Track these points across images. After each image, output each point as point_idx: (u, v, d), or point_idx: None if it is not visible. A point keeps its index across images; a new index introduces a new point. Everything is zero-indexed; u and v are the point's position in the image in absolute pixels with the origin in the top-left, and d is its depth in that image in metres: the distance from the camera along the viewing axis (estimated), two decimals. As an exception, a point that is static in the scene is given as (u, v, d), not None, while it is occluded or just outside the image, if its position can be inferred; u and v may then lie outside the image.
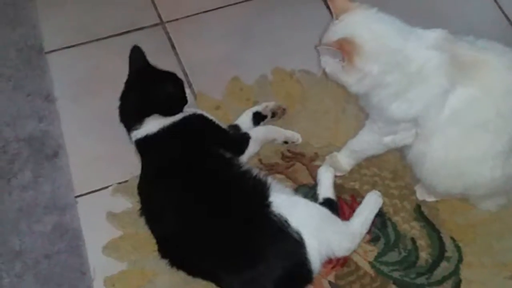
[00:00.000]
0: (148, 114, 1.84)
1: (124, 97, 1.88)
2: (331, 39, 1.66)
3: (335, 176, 1.92)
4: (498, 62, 1.70)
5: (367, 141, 1.89)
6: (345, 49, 1.61)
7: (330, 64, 1.70)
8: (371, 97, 1.73)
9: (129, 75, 1.89)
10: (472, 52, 1.70)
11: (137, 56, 1.88)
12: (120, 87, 1.88)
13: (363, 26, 1.66)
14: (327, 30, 1.72)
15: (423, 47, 1.66)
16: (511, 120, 1.69)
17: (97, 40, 2.18)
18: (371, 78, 1.66)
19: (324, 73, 1.75)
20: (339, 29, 1.68)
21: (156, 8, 2.25)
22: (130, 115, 1.88)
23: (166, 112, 1.84)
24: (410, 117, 1.72)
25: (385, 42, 1.65)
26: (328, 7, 2.15)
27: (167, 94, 1.84)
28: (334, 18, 1.70)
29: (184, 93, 1.86)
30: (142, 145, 1.86)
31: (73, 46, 2.17)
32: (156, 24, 2.22)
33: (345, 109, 2.06)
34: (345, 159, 1.94)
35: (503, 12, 2.26)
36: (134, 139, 1.86)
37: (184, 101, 1.87)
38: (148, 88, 1.85)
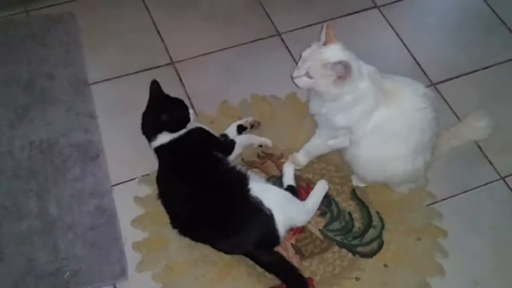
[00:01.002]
0: (160, 131, 1.83)
1: (144, 117, 1.88)
2: (331, 58, 1.60)
3: (295, 169, 1.92)
4: (408, 91, 1.73)
5: (317, 144, 1.89)
6: (348, 70, 1.58)
7: (319, 73, 1.61)
8: (324, 108, 1.72)
9: (149, 101, 1.88)
10: (391, 83, 1.72)
11: (155, 87, 1.86)
12: (143, 109, 1.88)
13: (352, 59, 1.63)
14: (316, 50, 1.65)
15: (365, 78, 1.66)
16: (416, 131, 1.72)
17: (126, 75, 2.17)
18: (339, 95, 1.64)
19: (299, 79, 1.66)
20: (333, 53, 1.62)
21: (168, 52, 2.24)
22: (148, 131, 1.87)
23: (172, 130, 1.83)
24: (347, 126, 1.73)
25: (356, 76, 1.62)
26: (289, 51, 2.26)
27: (174, 117, 1.83)
28: (324, 42, 1.65)
29: (188, 114, 1.84)
30: (159, 151, 1.85)
31: (109, 79, 2.16)
32: (168, 64, 2.21)
33: (302, 122, 2.06)
34: (302, 157, 1.94)
35: (411, 54, 2.29)
36: (153, 147, 1.85)
37: (187, 119, 1.84)
38: (160, 114, 1.82)
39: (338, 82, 1.60)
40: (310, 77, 1.64)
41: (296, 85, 1.70)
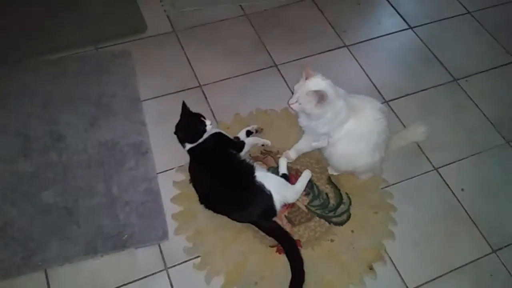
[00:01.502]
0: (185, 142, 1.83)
1: (176, 128, 1.83)
2: (312, 88, 1.61)
3: (287, 162, 1.90)
4: (368, 106, 1.73)
5: (304, 145, 1.89)
6: (323, 96, 1.60)
7: (305, 100, 1.63)
8: (312, 122, 1.72)
9: (180, 115, 1.85)
10: (357, 101, 1.72)
11: (184, 107, 1.84)
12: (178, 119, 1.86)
13: (328, 87, 1.63)
14: (302, 83, 1.65)
15: (341, 99, 1.66)
16: (374, 134, 1.72)
17: (167, 94, 2.14)
18: (322, 113, 1.65)
19: (293, 105, 1.67)
20: (314, 84, 1.63)
21: (197, 78, 2.21)
22: (179, 140, 1.84)
23: (191, 142, 1.80)
24: (327, 132, 1.73)
25: (333, 98, 1.63)
26: (283, 77, 2.24)
27: (190, 134, 1.80)
28: (304, 78, 1.66)
29: (203, 127, 1.79)
30: (189, 151, 1.83)
31: (155, 97, 2.13)
32: (197, 86, 2.18)
33: (292, 129, 2.02)
34: (293, 154, 1.93)
35: (370, 80, 2.27)
36: (185, 149, 1.84)
37: (203, 132, 1.79)
38: (185, 131, 1.81)
39: (319, 105, 1.62)
40: (300, 104, 1.65)
41: (292, 109, 1.71)
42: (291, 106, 1.69)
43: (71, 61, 2.23)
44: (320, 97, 1.59)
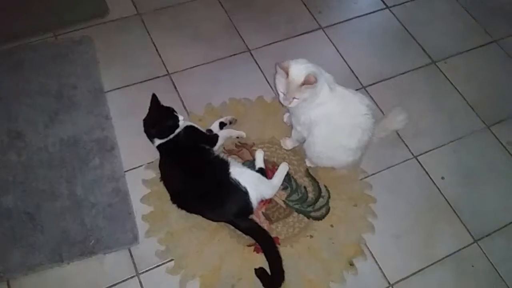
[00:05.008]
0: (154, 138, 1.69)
1: (144, 123, 1.69)
2: (300, 79, 1.48)
3: (264, 154, 1.77)
4: (356, 99, 1.60)
5: (295, 133, 1.75)
6: (312, 78, 1.47)
7: (301, 93, 1.50)
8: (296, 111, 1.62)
9: (149, 109, 1.69)
10: (346, 91, 1.60)
11: (153, 99, 1.68)
12: (146, 110, 1.70)
13: (308, 67, 1.50)
14: (283, 80, 1.51)
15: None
16: (359, 130, 1.60)
17: (133, 84, 1.97)
18: (317, 92, 1.53)
19: (291, 103, 1.55)
20: (297, 75, 1.49)
21: (165, 66, 2.03)
22: (147, 136, 1.70)
23: (162, 138, 1.66)
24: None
25: (318, 72, 1.52)
26: (257, 63, 2.06)
27: (161, 130, 1.66)
28: (284, 73, 1.51)
29: (176, 122, 1.65)
30: (159, 147, 1.69)
31: (120, 88, 1.96)
32: (165, 75, 2.01)
33: (268, 118, 1.91)
34: (290, 142, 1.82)
35: (347, 64, 2.13)
36: (154, 145, 1.69)
37: (175, 127, 1.65)
38: (150, 128, 1.67)
39: (312, 88, 1.50)
40: (298, 98, 1.52)
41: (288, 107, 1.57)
42: (289, 106, 1.54)
43: (27, 50, 2.02)
44: (311, 80, 1.46)
